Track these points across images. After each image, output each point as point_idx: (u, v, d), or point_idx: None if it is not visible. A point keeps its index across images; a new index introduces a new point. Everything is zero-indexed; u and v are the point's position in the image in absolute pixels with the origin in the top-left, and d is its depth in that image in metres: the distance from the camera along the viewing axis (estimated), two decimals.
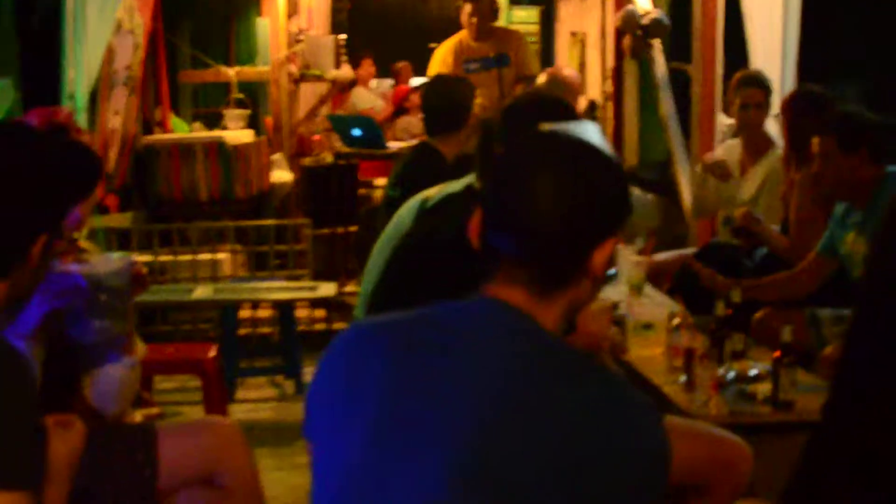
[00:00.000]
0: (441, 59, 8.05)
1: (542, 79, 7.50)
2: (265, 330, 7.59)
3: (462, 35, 8.12)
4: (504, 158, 1.98)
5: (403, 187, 5.54)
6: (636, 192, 4.44)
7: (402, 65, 12.83)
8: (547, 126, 2.06)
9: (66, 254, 3.49)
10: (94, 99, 7.06)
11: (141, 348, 3.56)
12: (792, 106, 5.57)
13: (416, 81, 13.98)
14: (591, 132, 2.05)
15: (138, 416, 3.40)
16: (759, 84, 6.11)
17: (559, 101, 3.45)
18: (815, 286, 5.03)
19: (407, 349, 1.89)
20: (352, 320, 6.76)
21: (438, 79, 6.15)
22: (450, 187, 4.81)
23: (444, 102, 5.69)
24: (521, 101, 3.66)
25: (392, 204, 5.62)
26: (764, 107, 6.08)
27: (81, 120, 6.31)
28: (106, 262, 3.65)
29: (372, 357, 1.90)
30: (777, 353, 3.89)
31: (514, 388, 1.81)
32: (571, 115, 3.42)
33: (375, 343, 1.93)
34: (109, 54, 7.27)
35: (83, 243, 3.93)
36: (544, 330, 1.90)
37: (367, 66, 11.99)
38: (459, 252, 3.51)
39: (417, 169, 5.60)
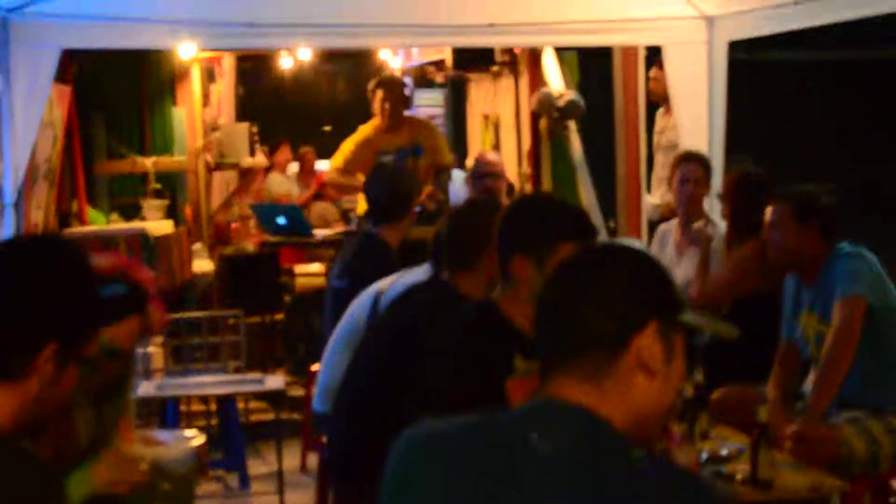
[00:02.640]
0: (352, 151, 7.94)
1: (469, 162, 7.54)
2: (201, 423, 7.46)
3: (373, 126, 7.99)
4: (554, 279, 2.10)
5: (351, 278, 5.52)
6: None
7: (305, 149, 12.83)
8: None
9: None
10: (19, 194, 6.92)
11: None
12: (735, 187, 5.63)
13: (322, 165, 13.98)
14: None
15: None
16: (699, 161, 6.16)
17: (560, 204, 3.49)
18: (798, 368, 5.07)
19: (476, 472, 1.90)
20: (303, 412, 6.69)
21: (382, 168, 6.14)
22: (406, 277, 4.80)
23: (389, 192, 5.68)
24: (518, 205, 3.67)
25: (338, 295, 5.59)
26: (703, 183, 6.11)
27: (11, 216, 6.20)
28: (174, 443, 3.57)
29: (440, 473, 1.93)
30: (755, 433, 3.93)
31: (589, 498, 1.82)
32: (576, 214, 3.44)
33: (442, 460, 1.94)
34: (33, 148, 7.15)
35: None
36: (607, 424, 1.92)
37: (285, 152, 11.99)
38: (458, 342, 3.53)
39: (364, 260, 5.59)
